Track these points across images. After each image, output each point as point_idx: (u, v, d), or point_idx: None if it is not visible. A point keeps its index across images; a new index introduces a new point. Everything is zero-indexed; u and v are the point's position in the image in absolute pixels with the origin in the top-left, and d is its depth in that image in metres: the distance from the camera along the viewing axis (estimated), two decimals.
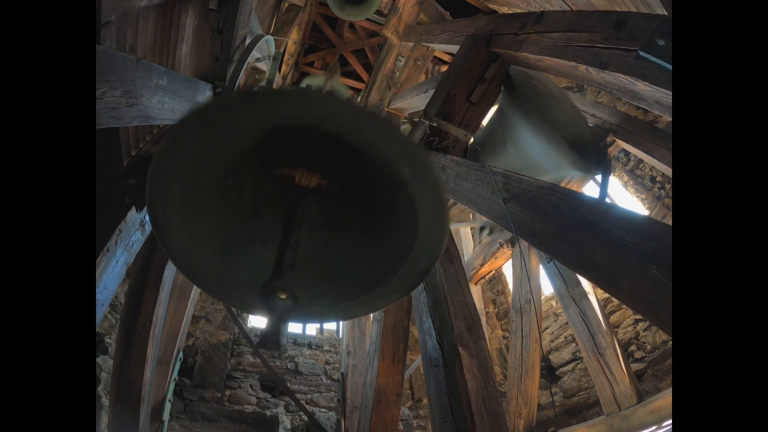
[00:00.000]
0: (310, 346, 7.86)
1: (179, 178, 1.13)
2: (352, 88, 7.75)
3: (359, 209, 1.43)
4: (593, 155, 3.01)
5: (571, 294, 4.23)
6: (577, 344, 5.37)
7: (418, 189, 1.15)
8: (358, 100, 5.90)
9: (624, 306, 5.77)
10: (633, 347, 5.60)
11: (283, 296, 1.14)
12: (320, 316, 1.56)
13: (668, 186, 5.84)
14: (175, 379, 3.33)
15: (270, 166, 1.34)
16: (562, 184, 3.77)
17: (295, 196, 1.32)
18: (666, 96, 1.52)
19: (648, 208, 6.04)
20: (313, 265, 1.44)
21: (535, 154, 2.91)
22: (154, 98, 1.77)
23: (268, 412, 6.67)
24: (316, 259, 1.45)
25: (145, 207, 2.09)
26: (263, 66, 3.30)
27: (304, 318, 1.46)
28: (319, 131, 1.16)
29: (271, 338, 1.11)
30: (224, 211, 1.35)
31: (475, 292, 5.40)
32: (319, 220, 1.46)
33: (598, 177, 3.21)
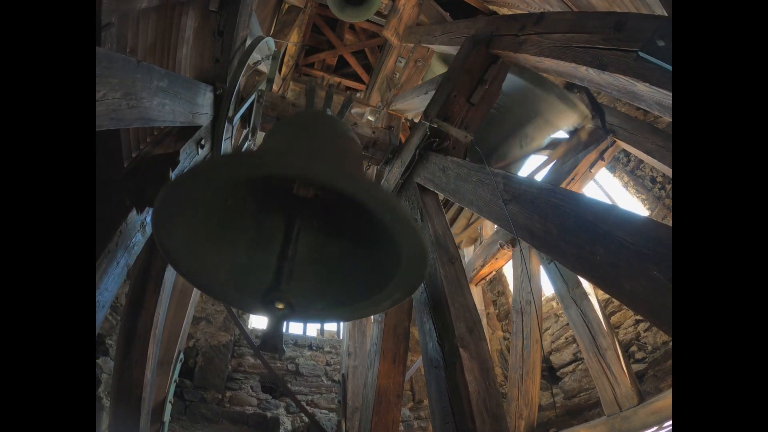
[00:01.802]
0: (310, 347, 7.86)
1: (182, 207, 1.19)
2: (352, 89, 7.76)
3: (355, 221, 1.47)
4: (587, 100, 3.19)
5: (571, 295, 4.23)
6: (577, 345, 5.37)
7: (399, 233, 1.21)
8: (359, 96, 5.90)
9: (624, 307, 5.77)
10: (634, 348, 5.59)
11: (281, 306, 1.18)
12: (320, 317, 1.61)
13: (669, 186, 5.84)
14: (175, 381, 3.33)
15: (268, 183, 1.39)
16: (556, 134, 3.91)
17: (294, 206, 1.38)
18: (666, 97, 1.52)
19: (648, 209, 6.04)
20: (313, 268, 1.47)
21: (527, 103, 3.01)
22: (154, 100, 1.77)
23: (268, 414, 6.66)
24: (315, 263, 1.48)
25: (146, 209, 2.09)
26: (263, 67, 3.30)
27: (305, 318, 1.51)
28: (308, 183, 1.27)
29: (271, 342, 1.13)
30: (226, 223, 1.39)
31: (476, 293, 5.39)
32: (318, 225, 1.49)
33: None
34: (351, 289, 1.44)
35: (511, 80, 2.89)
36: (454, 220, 4.54)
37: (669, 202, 5.76)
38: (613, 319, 5.80)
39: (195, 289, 3.51)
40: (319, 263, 1.49)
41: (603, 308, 4.17)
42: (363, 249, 1.46)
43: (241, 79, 2.69)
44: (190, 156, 2.34)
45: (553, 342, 6.94)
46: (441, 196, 2.33)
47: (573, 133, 4.11)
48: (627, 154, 6.22)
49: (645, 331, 5.59)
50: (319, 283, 1.47)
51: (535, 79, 3.12)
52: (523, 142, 3.70)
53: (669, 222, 5.10)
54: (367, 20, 5.26)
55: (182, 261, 1.31)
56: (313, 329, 8.38)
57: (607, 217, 1.16)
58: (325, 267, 1.49)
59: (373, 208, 1.17)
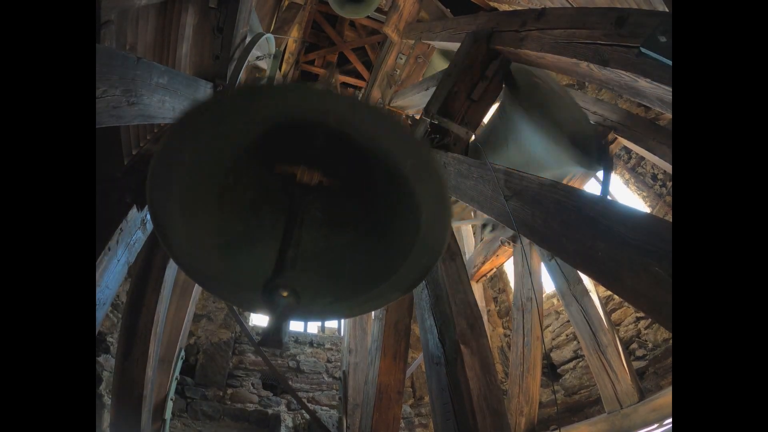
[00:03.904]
0: (311, 344, 7.87)
1: (179, 176, 1.13)
2: (352, 86, 7.75)
3: (361, 206, 1.42)
4: (595, 152, 3.02)
5: (572, 292, 4.23)
6: (578, 342, 5.37)
7: (420, 185, 1.14)
8: (360, 97, 5.89)
9: (625, 304, 5.77)
10: (634, 345, 5.60)
11: (285, 294, 1.12)
12: (322, 315, 1.55)
13: (669, 184, 5.83)
14: (176, 378, 3.34)
15: (271, 164, 1.34)
16: (564, 181, 3.78)
17: (297, 193, 1.32)
18: (667, 93, 1.51)
19: (649, 206, 6.03)
20: (315, 263, 1.42)
21: (536, 151, 2.91)
22: (154, 97, 1.77)
23: (270, 411, 6.68)
24: (317, 257, 1.44)
25: (146, 206, 2.09)
26: (264, 64, 3.29)
27: (306, 316, 1.45)
28: (321, 127, 1.15)
29: (273, 337, 1.10)
30: (225, 210, 1.34)
31: (477, 289, 5.39)
32: (321, 217, 1.45)
33: (600, 174, 3.23)
34: (360, 278, 1.39)
35: (522, 118, 2.80)
36: None
37: (670, 199, 5.75)
38: (614, 316, 5.80)
39: (196, 287, 3.52)
40: (321, 256, 1.45)
41: (604, 305, 4.17)
42: (369, 236, 1.41)
43: (241, 76, 2.68)
44: None
45: (553, 339, 6.95)
46: None
47: None
48: (628, 151, 6.20)
49: (646, 328, 5.59)
50: (322, 277, 1.42)
51: (555, 120, 2.99)
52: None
53: (670, 219, 5.08)
54: (368, 17, 5.26)
55: (179, 247, 1.25)
56: (313, 326, 8.39)
57: (608, 212, 1.16)
58: (327, 260, 1.45)
59: (393, 152, 1.11)
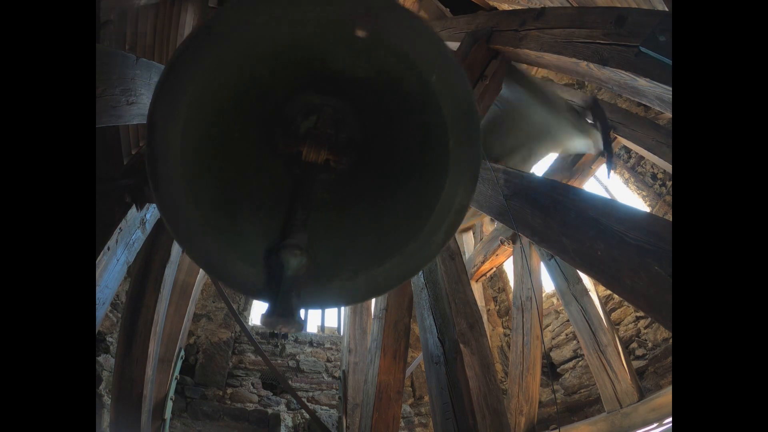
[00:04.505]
0: (311, 343, 7.87)
1: (180, 125, 1.02)
2: None
3: (383, 152, 1.29)
4: (590, 117, 3.12)
5: (572, 291, 4.23)
6: (578, 341, 5.37)
7: (446, 99, 1.06)
8: None
9: (625, 303, 5.77)
10: (634, 344, 5.60)
11: (297, 252, 0.97)
12: (342, 295, 1.21)
13: (669, 183, 5.83)
14: (176, 378, 3.34)
15: (279, 110, 1.22)
16: (564, 155, 3.84)
17: (304, 172, 1.22)
18: (667, 92, 1.51)
19: (649, 206, 6.03)
20: (331, 232, 1.26)
21: (537, 120, 2.95)
22: None
23: (269, 410, 6.68)
24: (333, 227, 1.28)
25: (146, 206, 2.08)
26: None
27: (324, 300, 1.18)
28: (336, 42, 1.05)
29: (284, 312, 0.90)
30: (230, 190, 1.21)
31: (476, 289, 5.40)
32: (329, 199, 1.31)
33: (599, 140, 3.32)
34: (383, 242, 1.21)
35: (522, 95, 2.85)
36: None
37: (670, 198, 5.75)
38: (614, 315, 5.80)
39: (195, 286, 3.52)
40: (340, 224, 1.28)
41: (603, 305, 4.18)
42: (392, 191, 1.27)
43: None
44: None
45: (553, 338, 6.95)
46: None
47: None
48: (628, 150, 6.21)
49: (645, 327, 5.59)
50: (344, 245, 1.24)
51: (548, 99, 3.06)
52: (527, 156, 3.68)
53: (670, 219, 5.08)
54: None
55: (182, 226, 1.10)
56: (313, 325, 8.39)
57: (608, 212, 1.16)
58: (349, 225, 1.28)
59: (416, 62, 1.02)
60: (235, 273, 1.14)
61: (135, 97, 1.62)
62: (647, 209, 6.04)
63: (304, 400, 6.88)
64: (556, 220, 1.30)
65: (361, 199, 1.32)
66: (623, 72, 1.65)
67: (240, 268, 1.15)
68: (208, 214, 1.13)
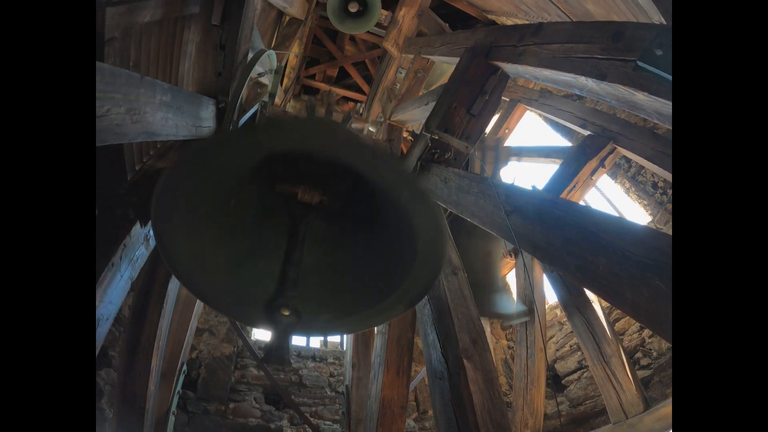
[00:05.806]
0: (314, 358, 7.83)
1: (183, 201, 1.16)
2: (353, 100, 7.79)
3: (361, 225, 1.44)
4: None
5: (575, 303, 4.21)
6: (582, 353, 5.34)
7: (416, 214, 1.18)
8: (360, 111, 5.93)
9: None
10: (639, 354, 5.56)
11: (286, 313, 1.14)
12: (324, 330, 1.59)
13: (670, 191, 5.83)
14: (179, 392, 3.33)
15: (272, 185, 1.36)
16: None
17: (298, 212, 1.34)
18: (665, 106, 1.53)
19: (650, 215, 6.03)
20: (317, 279, 1.44)
21: None
22: (158, 114, 1.79)
23: (272, 425, 6.63)
24: (320, 272, 1.46)
25: (150, 222, 2.10)
26: (265, 80, 3.32)
27: (309, 331, 1.50)
28: (319, 156, 1.20)
29: (276, 353, 1.11)
30: (228, 229, 1.37)
31: None
32: (323, 233, 1.47)
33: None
34: (362, 294, 1.41)
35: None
36: None
37: (671, 207, 5.75)
38: (618, 325, 5.77)
39: (198, 301, 3.52)
40: (324, 273, 1.47)
41: (607, 315, 4.16)
42: (370, 253, 1.44)
43: (244, 92, 2.71)
44: None
45: (557, 350, 6.91)
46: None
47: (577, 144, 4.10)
48: (628, 160, 6.22)
49: (650, 337, 5.56)
50: (326, 293, 1.44)
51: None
52: None
53: (671, 227, 5.09)
54: (367, 32, 5.30)
55: (181, 264, 1.28)
56: (316, 340, 8.34)
57: (609, 227, 1.16)
58: (331, 276, 1.47)
59: (389, 185, 1.15)
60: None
61: (139, 116, 1.64)
62: (648, 218, 6.04)
63: (307, 415, 6.83)
64: (557, 236, 1.30)
65: (351, 242, 1.49)
66: (621, 87, 1.66)
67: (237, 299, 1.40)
68: (209, 256, 1.33)
